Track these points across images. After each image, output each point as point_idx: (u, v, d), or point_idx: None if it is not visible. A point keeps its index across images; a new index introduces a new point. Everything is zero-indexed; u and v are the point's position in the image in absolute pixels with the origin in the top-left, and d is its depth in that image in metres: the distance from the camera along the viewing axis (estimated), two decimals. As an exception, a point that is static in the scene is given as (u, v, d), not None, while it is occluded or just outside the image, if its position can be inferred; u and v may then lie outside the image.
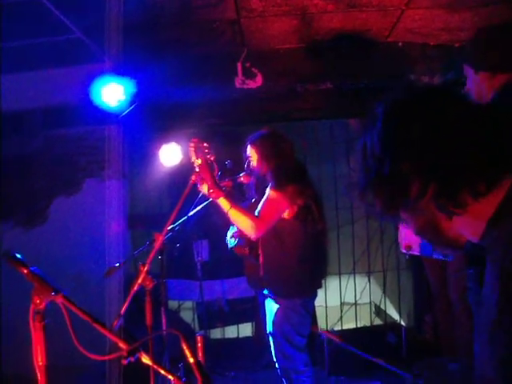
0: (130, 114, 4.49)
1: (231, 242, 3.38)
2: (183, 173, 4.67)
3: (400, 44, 4.66)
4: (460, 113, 1.05)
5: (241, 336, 5.15)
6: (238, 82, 4.57)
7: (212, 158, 2.72)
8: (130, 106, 4.42)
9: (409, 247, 2.01)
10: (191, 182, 2.44)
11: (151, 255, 2.21)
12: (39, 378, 1.48)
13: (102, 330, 1.41)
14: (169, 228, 2.44)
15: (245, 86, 4.57)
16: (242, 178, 3.00)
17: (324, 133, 5.39)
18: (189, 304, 5.40)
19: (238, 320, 5.03)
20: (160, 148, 4.68)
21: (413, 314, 4.79)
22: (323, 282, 3.17)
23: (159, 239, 2.26)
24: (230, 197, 2.80)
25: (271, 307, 3.02)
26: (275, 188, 2.83)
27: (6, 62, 4.48)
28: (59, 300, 1.42)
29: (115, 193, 4.68)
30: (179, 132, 4.73)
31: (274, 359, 3.05)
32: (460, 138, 0.98)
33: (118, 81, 4.23)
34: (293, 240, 2.92)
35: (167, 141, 4.68)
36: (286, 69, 4.70)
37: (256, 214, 2.81)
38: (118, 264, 2.76)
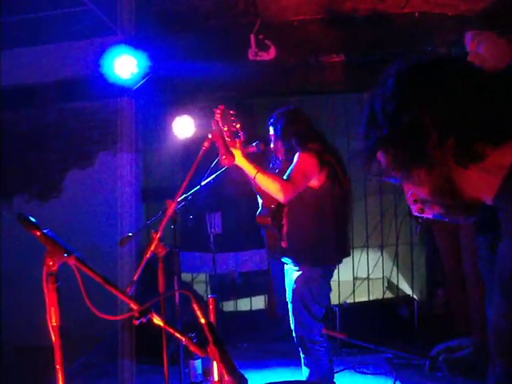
0: (143, 87, 4.47)
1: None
2: (196, 146, 4.67)
3: (416, 14, 4.56)
4: (475, 72, 1.05)
5: (254, 309, 5.19)
6: (252, 53, 4.51)
7: (238, 126, 2.71)
8: (143, 79, 4.40)
9: (421, 209, 1.98)
10: (204, 148, 2.42)
11: (163, 222, 2.21)
12: (54, 338, 1.50)
13: (114, 291, 1.42)
14: (181, 196, 2.44)
15: (258, 58, 4.51)
16: (257, 147, 2.97)
17: (339, 107, 5.32)
18: (202, 277, 5.44)
19: (250, 292, 5.06)
20: (173, 121, 4.69)
21: (425, 289, 4.79)
22: (350, 250, 3.21)
23: (171, 206, 2.26)
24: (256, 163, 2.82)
25: (292, 276, 3.03)
26: (303, 151, 2.88)
27: (19, 35, 4.48)
28: (72, 262, 1.43)
29: (128, 166, 4.69)
30: (192, 105, 4.71)
31: (292, 327, 3.07)
32: (477, 93, 0.98)
33: (130, 53, 4.20)
34: (320, 207, 2.92)
35: (180, 114, 4.68)
36: (300, 41, 4.64)
37: (285, 177, 2.83)
38: (131, 233, 2.77)
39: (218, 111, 2.59)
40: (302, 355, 3.07)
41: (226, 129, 2.62)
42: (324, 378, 3.02)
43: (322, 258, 2.96)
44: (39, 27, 4.41)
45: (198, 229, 4.61)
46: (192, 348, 1.38)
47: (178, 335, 1.39)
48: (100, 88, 4.50)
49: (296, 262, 2.99)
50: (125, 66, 4.21)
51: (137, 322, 1.38)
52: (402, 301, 4.38)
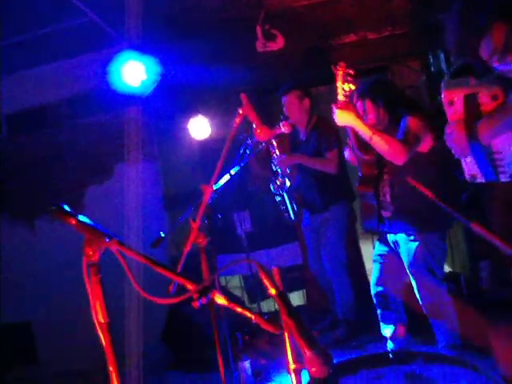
0: (154, 93, 4.38)
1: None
2: (213, 146, 4.59)
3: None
4: None
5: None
6: (259, 45, 4.39)
7: (354, 88, 2.80)
8: (154, 85, 4.30)
9: (473, 176, 1.86)
10: (235, 125, 2.29)
11: (201, 209, 2.09)
12: (102, 337, 1.37)
13: (167, 273, 1.29)
14: (216, 183, 2.32)
15: (267, 49, 4.40)
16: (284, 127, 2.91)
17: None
18: (236, 282, 5.32)
19: (287, 289, 4.91)
20: (188, 123, 4.60)
21: (468, 264, 4.58)
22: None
23: (208, 191, 2.14)
24: None
25: (407, 246, 2.99)
26: (413, 115, 2.87)
27: (19, 58, 4.42)
28: (114, 247, 1.31)
29: (147, 174, 4.61)
30: (205, 104, 4.63)
31: (419, 298, 3.05)
32: None
33: (138, 58, 4.12)
34: (432, 168, 2.89)
35: (194, 114, 4.60)
36: (307, 26, 4.52)
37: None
38: (163, 234, 2.65)
39: (340, 68, 2.71)
40: (432, 323, 3.05)
41: (348, 87, 2.72)
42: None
43: (440, 221, 2.91)
44: (40, 47, 4.35)
45: (227, 229, 4.50)
46: (264, 325, 1.25)
47: (246, 313, 1.27)
48: (111, 99, 4.44)
49: (410, 231, 2.95)
50: (133, 73, 4.13)
51: (197, 304, 1.26)
52: (448, 278, 4.19)
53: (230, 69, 4.55)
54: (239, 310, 1.28)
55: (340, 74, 2.76)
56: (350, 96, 2.84)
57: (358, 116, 2.87)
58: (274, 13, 4.36)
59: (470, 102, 1.64)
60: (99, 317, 1.36)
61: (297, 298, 5.08)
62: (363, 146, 3.07)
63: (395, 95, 3.08)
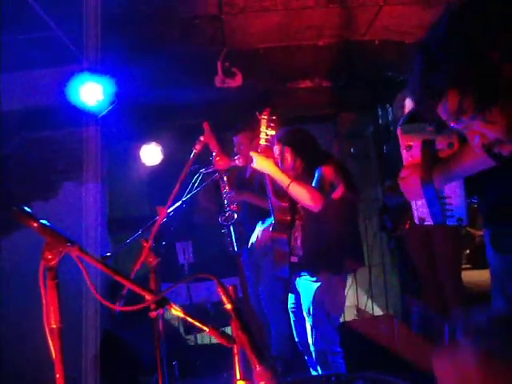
0: (109, 114, 4.39)
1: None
2: (162, 174, 4.60)
3: (376, 42, 4.72)
4: None
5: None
6: (218, 81, 4.53)
7: (273, 134, 2.89)
8: (109, 106, 4.32)
9: (422, 219, 1.99)
10: (195, 152, 2.36)
11: (154, 229, 2.12)
12: (52, 343, 1.36)
13: (125, 283, 1.32)
14: (171, 206, 2.36)
15: (225, 85, 4.53)
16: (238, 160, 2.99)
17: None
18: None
19: (224, 322, 4.89)
20: (140, 148, 4.62)
21: (400, 308, 4.77)
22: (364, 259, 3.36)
23: (163, 212, 2.18)
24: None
25: (309, 287, 3.03)
26: (328, 164, 2.99)
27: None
28: (75, 253, 1.33)
29: (92, 196, 4.54)
30: (159, 132, 4.66)
31: (311, 343, 3.04)
32: None
33: (95, 79, 4.14)
34: (339, 216, 3.01)
35: (147, 141, 4.62)
36: (266, 68, 4.70)
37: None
38: (109, 253, 2.65)
39: (265, 113, 2.78)
40: (319, 371, 3.03)
41: (268, 132, 2.80)
42: None
43: (341, 265, 3.01)
44: (3, 55, 4.28)
45: (168, 258, 4.48)
46: (218, 338, 1.29)
47: (200, 325, 1.30)
48: (65, 117, 4.39)
49: (314, 272, 3.00)
50: (90, 93, 4.14)
51: (154, 314, 1.28)
52: (381, 320, 4.34)
53: (187, 96, 4.65)
54: (194, 321, 1.32)
55: (264, 119, 2.82)
56: (271, 141, 2.91)
57: (277, 163, 2.93)
58: (235, 51, 4.52)
59: (428, 147, 1.78)
60: (51, 321, 1.35)
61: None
62: (278, 192, 3.15)
63: (312, 146, 3.18)
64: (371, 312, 5.27)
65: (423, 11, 4.15)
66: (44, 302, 1.34)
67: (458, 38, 1.02)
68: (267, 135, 2.86)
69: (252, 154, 2.88)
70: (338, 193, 2.98)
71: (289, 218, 3.10)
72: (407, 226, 3.63)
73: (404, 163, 1.90)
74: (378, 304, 5.40)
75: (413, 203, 2.01)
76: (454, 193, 1.85)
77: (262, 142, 2.87)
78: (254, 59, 4.65)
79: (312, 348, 3.04)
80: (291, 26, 4.27)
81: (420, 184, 1.79)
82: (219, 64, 4.50)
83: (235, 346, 1.29)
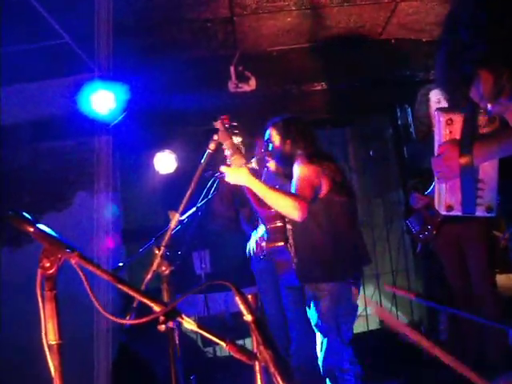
0: (122, 122, 4.32)
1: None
2: (177, 183, 4.50)
3: (393, 41, 4.59)
4: None
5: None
6: (232, 86, 4.42)
7: (240, 140, 2.58)
8: (122, 114, 4.24)
9: (450, 207, 1.81)
10: (209, 152, 2.24)
11: (167, 235, 2.01)
12: (51, 360, 1.24)
13: (132, 292, 1.19)
14: (184, 211, 2.23)
15: (239, 90, 4.43)
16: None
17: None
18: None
19: (243, 334, 4.75)
20: (154, 156, 4.53)
21: (426, 315, 4.59)
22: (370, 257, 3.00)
23: (175, 217, 2.06)
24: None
25: (313, 299, 2.78)
26: (303, 162, 2.73)
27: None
28: (74, 259, 1.21)
29: (105, 206, 4.46)
30: (173, 139, 4.57)
31: (319, 358, 2.77)
32: None
33: (107, 87, 4.07)
34: (330, 216, 2.74)
35: (161, 149, 4.53)
36: (280, 71, 4.60)
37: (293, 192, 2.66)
38: (121, 263, 2.53)
39: (220, 122, 2.44)
40: None
41: (234, 140, 2.48)
42: None
43: (341, 271, 2.73)
44: (14, 66, 4.24)
45: (184, 268, 4.37)
46: (237, 354, 1.15)
47: (216, 340, 1.17)
48: (76, 126, 4.33)
49: (313, 283, 2.78)
50: (102, 101, 4.07)
51: (163, 328, 1.16)
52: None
53: (201, 102, 4.55)
54: (210, 336, 1.19)
55: (223, 128, 2.52)
56: (239, 149, 2.60)
57: (252, 172, 2.62)
58: (248, 55, 4.43)
59: (470, 122, 1.63)
60: (50, 337, 1.23)
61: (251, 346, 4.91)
62: (262, 200, 2.80)
63: (303, 132, 2.94)
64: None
65: (440, 6, 4.02)
66: (42, 315, 1.22)
67: (486, 16, 0.92)
68: (232, 144, 2.54)
69: (222, 168, 2.59)
70: (322, 192, 2.72)
71: (280, 224, 2.95)
72: (435, 232, 3.45)
73: (442, 140, 1.74)
74: (402, 311, 5.22)
75: (441, 187, 1.84)
76: (486, 175, 1.70)
77: (229, 152, 2.55)
78: (267, 62, 4.55)
79: (320, 363, 2.79)
80: (305, 26, 4.17)
81: (458, 160, 1.62)
82: (233, 68, 4.40)
83: (257, 362, 1.15)
